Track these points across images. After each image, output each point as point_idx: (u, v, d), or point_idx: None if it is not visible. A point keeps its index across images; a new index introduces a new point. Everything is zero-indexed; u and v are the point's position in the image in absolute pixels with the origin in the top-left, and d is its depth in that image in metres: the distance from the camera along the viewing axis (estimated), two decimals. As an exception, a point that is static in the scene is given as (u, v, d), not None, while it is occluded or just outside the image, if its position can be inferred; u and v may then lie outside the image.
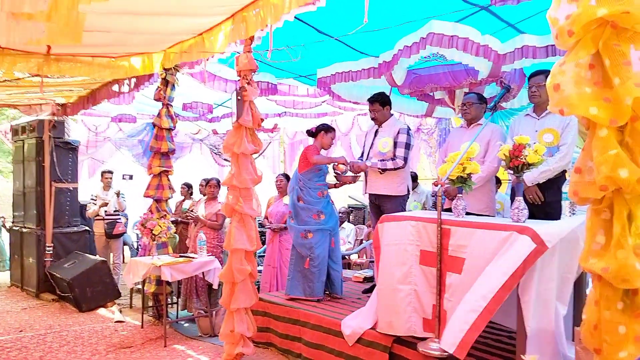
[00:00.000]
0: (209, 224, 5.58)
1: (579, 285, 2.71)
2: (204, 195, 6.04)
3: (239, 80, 3.83)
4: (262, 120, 3.98)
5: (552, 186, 3.40)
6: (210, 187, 5.82)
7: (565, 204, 2.93)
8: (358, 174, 4.43)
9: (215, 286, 5.10)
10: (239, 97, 3.70)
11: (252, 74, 3.80)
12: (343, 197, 8.58)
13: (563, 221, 2.88)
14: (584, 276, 2.74)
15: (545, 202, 3.38)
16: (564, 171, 3.40)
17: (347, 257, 6.99)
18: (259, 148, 3.88)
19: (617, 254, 1.65)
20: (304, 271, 4.36)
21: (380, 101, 4.34)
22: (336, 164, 4.46)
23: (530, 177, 3.35)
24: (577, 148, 4.02)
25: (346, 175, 4.48)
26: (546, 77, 3.14)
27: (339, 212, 7.53)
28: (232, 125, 3.81)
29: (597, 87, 1.66)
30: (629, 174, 1.60)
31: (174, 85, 5.51)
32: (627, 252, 1.63)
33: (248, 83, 3.74)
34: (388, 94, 4.47)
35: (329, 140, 4.56)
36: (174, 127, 5.63)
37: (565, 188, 3.13)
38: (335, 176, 4.57)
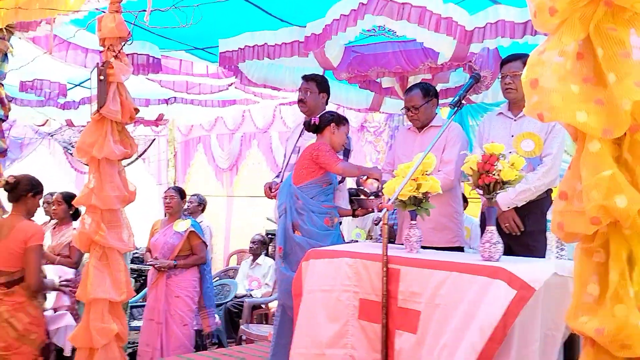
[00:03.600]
0: (59, 261, 5.30)
1: (572, 346, 2.80)
2: (51, 218, 5.76)
3: (102, 51, 3.76)
4: (137, 110, 3.95)
5: (535, 211, 3.53)
6: (55, 204, 5.51)
7: (551, 236, 3.04)
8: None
9: (67, 352, 4.87)
10: (101, 77, 3.63)
11: (123, 43, 3.73)
12: (257, 221, 8.54)
13: (550, 262, 2.98)
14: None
15: (526, 231, 3.51)
16: (550, 191, 3.54)
17: (263, 305, 6.95)
18: (131, 151, 3.85)
19: (614, 310, 1.68)
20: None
21: (318, 82, 4.40)
22: (364, 178, 3.87)
23: (506, 199, 3.45)
24: (567, 156, 4.22)
25: (372, 197, 3.85)
26: (524, 63, 3.27)
27: (251, 242, 7.47)
28: (91, 118, 3.72)
29: (587, 84, 1.69)
30: (627, 203, 1.63)
31: (6, 55, 5.26)
32: (627, 307, 1.66)
33: (115, 57, 3.68)
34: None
35: (342, 137, 4.06)
36: (6, 116, 5.37)
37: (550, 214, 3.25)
38: (354, 199, 4.08)
